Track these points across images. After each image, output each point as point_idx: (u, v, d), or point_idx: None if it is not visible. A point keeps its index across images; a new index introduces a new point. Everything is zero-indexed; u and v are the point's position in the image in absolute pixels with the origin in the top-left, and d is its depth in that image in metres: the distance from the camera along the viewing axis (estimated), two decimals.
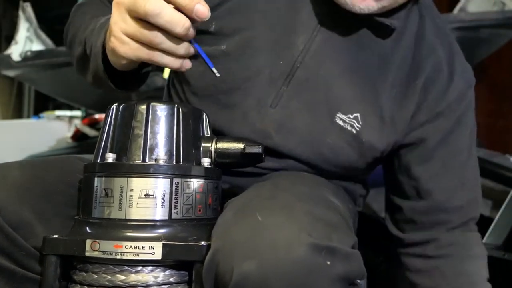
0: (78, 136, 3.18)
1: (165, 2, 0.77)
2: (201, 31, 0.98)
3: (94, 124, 3.17)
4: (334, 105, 1.04)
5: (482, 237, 1.78)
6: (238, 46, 1.03)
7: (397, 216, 1.17)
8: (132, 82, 1.01)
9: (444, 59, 1.08)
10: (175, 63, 0.85)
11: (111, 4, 0.87)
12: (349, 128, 1.04)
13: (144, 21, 0.79)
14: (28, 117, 5.00)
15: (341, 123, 1.04)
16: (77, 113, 3.70)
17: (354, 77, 1.05)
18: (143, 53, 0.83)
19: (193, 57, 0.90)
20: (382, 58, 1.06)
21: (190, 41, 0.85)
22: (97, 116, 3.16)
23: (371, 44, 1.06)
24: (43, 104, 4.97)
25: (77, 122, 3.47)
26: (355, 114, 1.04)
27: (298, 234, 0.74)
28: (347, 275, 0.76)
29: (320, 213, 0.84)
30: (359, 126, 1.04)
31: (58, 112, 3.81)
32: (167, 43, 0.81)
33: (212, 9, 0.89)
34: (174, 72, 1.18)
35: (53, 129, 3.62)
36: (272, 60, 1.04)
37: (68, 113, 3.77)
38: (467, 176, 1.11)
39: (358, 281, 0.81)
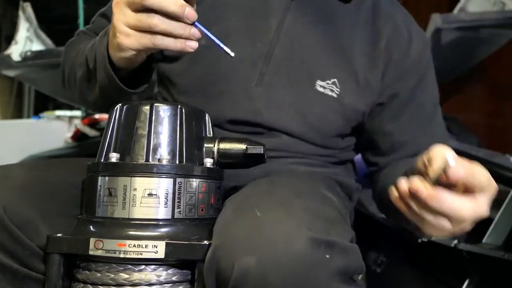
0: (78, 136, 3.18)
1: None
2: None
3: (94, 124, 3.17)
4: (312, 74, 1.12)
5: (482, 237, 1.79)
6: (217, 38, 1.04)
7: (373, 169, 1.28)
8: (137, 82, 1.03)
9: (402, 24, 1.19)
10: (177, 43, 0.87)
11: (97, 34, 1.02)
12: (330, 93, 1.12)
13: (142, 11, 0.85)
14: (28, 117, 5.01)
15: (321, 89, 1.11)
16: (77, 113, 3.70)
17: (327, 47, 1.13)
18: (146, 40, 0.86)
19: (176, 59, 1.01)
20: (350, 25, 1.15)
21: (194, 24, 0.87)
22: (97, 116, 3.16)
23: (339, 13, 1.16)
24: (43, 104, 4.98)
25: (77, 122, 3.47)
26: (332, 80, 1.12)
27: (297, 229, 0.75)
28: (346, 269, 0.77)
29: (318, 208, 0.85)
30: (338, 90, 1.12)
31: (58, 112, 3.81)
32: (164, 24, 0.85)
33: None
34: (160, 80, 1.22)
35: (53, 129, 3.62)
36: (250, 44, 1.12)
37: (68, 113, 3.77)
38: (436, 127, 1.22)
39: (358, 276, 0.81)
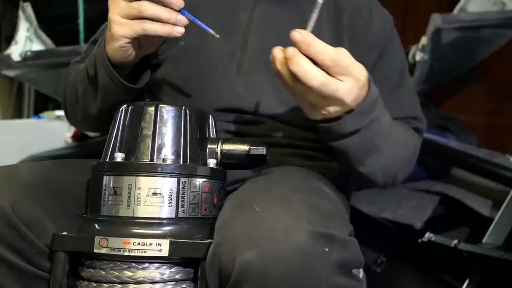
0: (78, 136, 3.17)
1: None
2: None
3: None
4: None
5: (482, 237, 1.79)
6: (195, 37, 1.13)
7: None
8: (135, 77, 1.11)
9: (363, 2, 1.25)
10: (165, 28, 0.95)
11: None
12: None
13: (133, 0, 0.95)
14: (28, 117, 4.99)
15: None
16: None
17: (295, 28, 1.13)
18: (137, 26, 0.95)
19: (160, 64, 1.10)
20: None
21: (181, 12, 0.96)
22: None
23: None
24: (43, 104, 4.96)
25: None
26: None
27: (296, 223, 0.76)
28: (345, 262, 0.78)
29: (316, 202, 0.86)
30: None
31: (58, 112, 3.80)
32: (152, 9, 0.94)
33: None
34: (148, 89, 1.25)
35: (53, 129, 3.61)
36: (225, 38, 1.15)
37: None
38: (403, 96, 1.24)
39: (360, 270, 0.81)
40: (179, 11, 0.96)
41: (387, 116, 1.07)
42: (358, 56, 1.14)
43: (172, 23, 0.96)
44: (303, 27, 1.12)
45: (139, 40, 1.02)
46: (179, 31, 0.96)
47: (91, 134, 3.08)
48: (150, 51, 1.09)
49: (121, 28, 0.97)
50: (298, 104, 1.11)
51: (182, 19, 0.96)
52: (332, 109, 0.91)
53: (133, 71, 1.12)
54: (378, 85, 1.14)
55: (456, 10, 2.71)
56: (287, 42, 1.13)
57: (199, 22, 0.99)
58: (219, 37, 1.00)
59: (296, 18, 1.20)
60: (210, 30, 1.00)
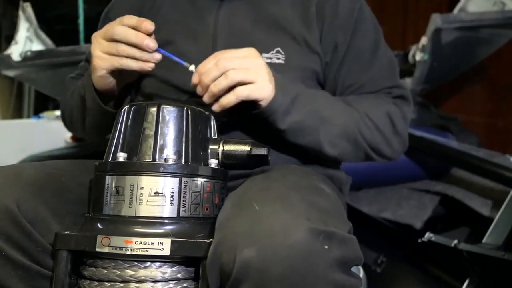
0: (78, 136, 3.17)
1: (127, 28, 1.06)
2: None
3: None
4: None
5: (482, 237, 1.79)
6: (169, 49, 1.19)
7: None
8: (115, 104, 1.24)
9: None
10: (138, 64, 1.07)
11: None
12: (276, 61, 1.21)
13: (113, 40, 1.07)
14: (28, 117, 4.99)
15: (267, 60, 1.20)
16: None
17: (263, 23, 1.25)
18: (114, 61, 1.08)
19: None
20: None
21: (157, 50, 1.08)
22: None
23: None
24: (43, 104, 4.96)
25: None
26: (276, 49, 1.22)
27: (295, 220, 0.77)
28: (344, 259, 0.78)
29: (315, 200, 0.87)
30: (284, 55, 1.22)
31: (58, 112, 3.79)
32: (128, 50, 1.06)
33: None
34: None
35: (53, 129, 3.60)
36: (195, 45, 1.25)
37: None
38: (377, 71, 1.28)
39: (360, 269, 0.82)
40: (154, 51, 1.08)
41: (319, 92, 1.22)
42: (331, 38, 1.24)
43: (144, 60, 1.07)
44: (269, 25, 1.25)
45: (120, 72, 1.13)
46: (150, 66, 1.08)
47: None
48: (130, 80, 1.22)
49: (102, 61, 1.10)
50: None
51: (155, 56, 1.07)
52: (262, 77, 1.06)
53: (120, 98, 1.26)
54: (350, 64, 1.27)
55: (456, 10, 2.71)
56: (253, 40, 1.22)
57: (174, 58, 1.11)
58: (193, 69, 1.09)
59: (259, 16, 1.26)
60: (184, 63, 1.10)
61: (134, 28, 1.06)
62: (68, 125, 1.42)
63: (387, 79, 1.29)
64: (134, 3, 1.36)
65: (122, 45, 1.07)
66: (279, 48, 1.22)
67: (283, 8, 1.26)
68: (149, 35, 1.07)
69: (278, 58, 1.22)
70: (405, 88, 1.32)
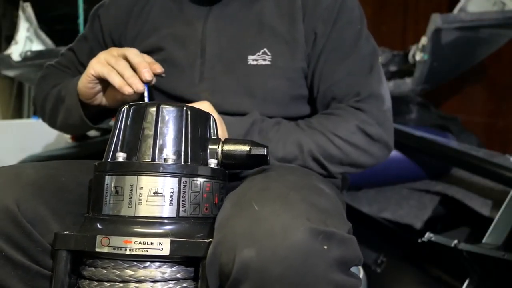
0: (78, 136, 3.17)
1: (140, 54, 1.15)
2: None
3: None
4: (242, 53, 1.25)
5: (482, 237, 1.79)
6: (160, 55, 1.29)
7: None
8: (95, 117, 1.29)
9: None
10: (120, 82, 1.11)
11: (68, 67, 1.45)
12: (263, 62, 1.24)
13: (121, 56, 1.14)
14: (28, 117, 5.00)
15: (254, 62, 1.24)
16: None
17: (249, 25, 1.27)
18: (106, 69, 1.12)
19: None
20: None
21: (145, 85, 1.12)
22: None
23: None
24: None
25: None
26: (262, 50, 1.24)
27: (295, 220, 0.77)
28: (343, 260, 0.78)
29: (314, 200, 0.87)
30: (270, 56, 1.24)
31: None
32: (122, 66, 1.12)
33: (134, 38, 1.35)
34: None
35: (53, 129, 3.61)
36: (183, 51, 1.28)
37: None
38: (354, 65, 1.26)
39: (360, 269, 0.82)
40: (145, 82, 1.12)
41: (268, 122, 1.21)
42: (311, 29, 1.24)
43: (128, 83, 1.10)
44: (255, 27, 1.26)
45: (103, 91, 1.21)
46: (129, 90, 1.10)
47: (91, 134, 3.08)
48: (107, 104, 1.24)
49: (97, 63, 1.14)
50: (263, 94, 1.24)
51: (139, 88, 1.10)
52: None
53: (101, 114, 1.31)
54: (330, 54, 1.26)
55: (456, 10, 2.72)
56: (242, 45, 1.25)
57: (147, 96, 1.14)
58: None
59: (247, 20, 1.28)
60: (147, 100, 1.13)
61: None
62: (39, 110, 1.46)
63: (359, 83, 1.25)
64: (123, 7, 1.39)
65: (123, 61, 1.12)
66: (265, 49, 1.24)
67: (269, 7, 1.28)
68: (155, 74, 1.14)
69: (265, 60, 1.24)
70: (378, 84, 1.28)
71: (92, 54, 1.27)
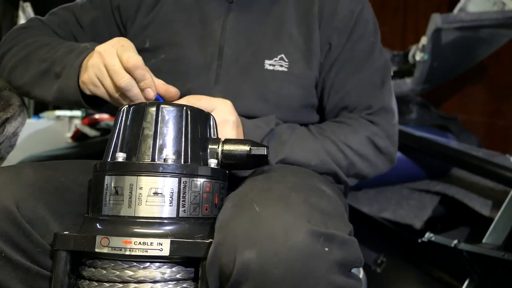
0: (78, 136, 3.16)
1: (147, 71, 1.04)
2: (140, 49, 1.17)
3: (94, 124, 3.16)
4: (259, 57, 1.24)
5: (482, 237, 1.79)
6: (173, 52, 1.25)
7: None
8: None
9: None
10: (102, 91, 1.05)
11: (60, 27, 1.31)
12: (279, 68, 1.23)
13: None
14: (28, 117, 4.99)
15: (270, 67, 1.23)
16: (77, 113, 3.68)
17: (268, 29, 1.25)
18: (100, 70, 1.04)
19: None
20: (285, 3, 1.27)
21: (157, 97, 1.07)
22: (97, 116, 3.15)
23: None
24: (43, 104, 4.95)
25: (77, 122, 3.46)
26: (279, 56, 1.24)
27: (296, 222, 0.77)
28: (344, 262, 0.78)
29: (315, 201, 0.87)
30: (287, 63, 1.23)
31: (58, 112, 3.79)
32: (121, 76, 1.02)
33: (144, 28, 1.27)
34: None
35: (53, 129, 3.60)
36: (201, 51, 1.25)
37: (68, 113, 3.75)
38: (366, 77, 1.27)
39: (360, 270, 0.81)
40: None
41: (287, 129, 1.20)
42: (326, 39, 1.24)
43: (119, 93, 1.04)
44: (274, 32, 1.25)
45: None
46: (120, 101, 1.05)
47: (91, 134, 3.08)
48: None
49: (104, 51, 1.04)
50: (277, 99, 1.23)
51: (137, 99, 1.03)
52: None
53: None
54: (343, 66, 1.26)
55: (456, 10, 2.72)
56: (260, 48, 1.24)
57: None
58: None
59: (267, 24, 1.26)
60: None
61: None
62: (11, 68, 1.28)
63: (370, 96, 1.26)
64: None
65: (127, 76, 1.03)
66: (283, 55, 1.23)
67: (289, 14, 1.26)
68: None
69: (281, 66, 1.23)
70: (389, 98, 1.29)
71: (96, 23, 1.25)
